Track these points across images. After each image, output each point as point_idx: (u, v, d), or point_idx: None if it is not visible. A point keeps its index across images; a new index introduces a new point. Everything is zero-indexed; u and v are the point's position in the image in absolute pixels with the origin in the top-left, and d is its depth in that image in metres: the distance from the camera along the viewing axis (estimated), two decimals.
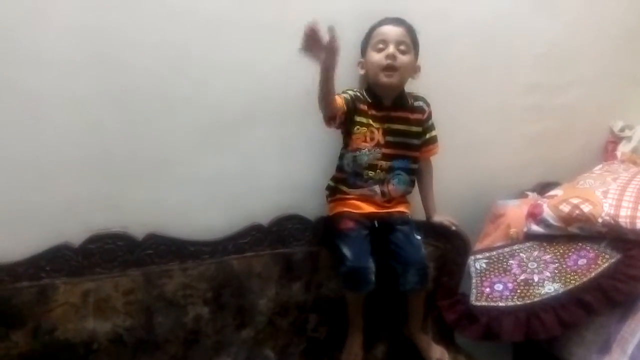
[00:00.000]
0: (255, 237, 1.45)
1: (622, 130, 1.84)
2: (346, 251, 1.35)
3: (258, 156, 1.48)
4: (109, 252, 1.34)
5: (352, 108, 1.35)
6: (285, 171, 1.51)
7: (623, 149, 1.80)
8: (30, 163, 1.30)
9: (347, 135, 1.39)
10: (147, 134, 1.38)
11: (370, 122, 1.37)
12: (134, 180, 1.39)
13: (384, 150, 1.38)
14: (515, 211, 1.57)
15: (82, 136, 1.33)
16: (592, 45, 1.78)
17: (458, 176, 1.65)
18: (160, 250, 1.38)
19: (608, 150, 1.84)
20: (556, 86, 1.78)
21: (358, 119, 1.37)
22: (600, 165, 1.70)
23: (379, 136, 1.37)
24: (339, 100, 1.31)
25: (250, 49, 1.41)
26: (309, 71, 1.45)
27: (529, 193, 1.70)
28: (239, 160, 1.46)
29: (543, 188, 1.72)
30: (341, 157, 1.42)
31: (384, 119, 1.38)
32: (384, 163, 1.38)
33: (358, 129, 1.37)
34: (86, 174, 1.35)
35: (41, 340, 1.25)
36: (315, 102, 1.43)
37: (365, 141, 1.37)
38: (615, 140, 1.84)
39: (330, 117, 1.32)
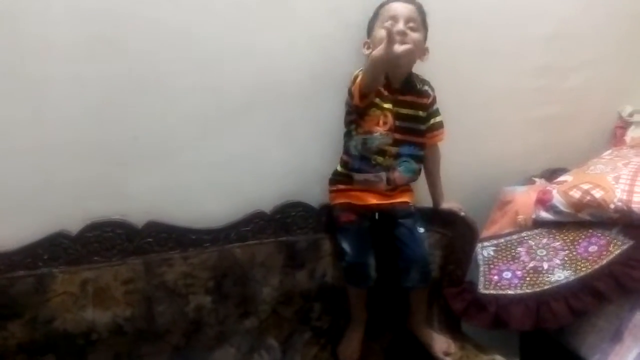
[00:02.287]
0: (258, 224, 1.41)
1: (630, 115, 1.80)
2: (346, 246, 1.32)
3: (261, 142, 1.44)
4: (108, 240, 1.30)
5: (364, 89, 1.29)
6: (289, 157, 1.47)
7: (632, 134, 1.76)
8: (27, 148, 1.26)
9: (360, 116, 1.33)
10: (148, 120, 1.34)
11: (384, 105, 1.32)
12: (134, 167, 1.35)
13: (395, 136, 1.33)
14: (523, 198, 1.54)
15: (81, 121, 1.28)
16: (602, 28, 1.73)
17: (464, 161, 1.61)
18: (160, 239, 1.34)
19: (617, 135, 1.81)
20: (565, 69, 1.74)
21: (372, 100, 1.31)
22: (610, 151, 1.67)
23: (391, 120, 1.32)
24: None
25: (253, 32, 1.36)
26: (312, 55, 1.43)
27: (537, 179, 1.67)
28: (241, 146, 1.42)
29: (551, 174, 1.69)
30: (349, 138, 1.37)
31: (394, 102, 1.33)
32: (392, 149, 1.34)
33: (374, 110, 1.31)
34: (85, 160, 1.31)
35: (39, 330, 1.22)
36: (319, 85, 1.42)
37: (378, 124, 1.32)
38: (624, 125, 1.81)
39: (368, 94, 1.28)
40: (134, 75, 1.29)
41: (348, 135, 1.37)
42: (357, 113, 1.33)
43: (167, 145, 1.37)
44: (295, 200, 1.45)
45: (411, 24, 1.29)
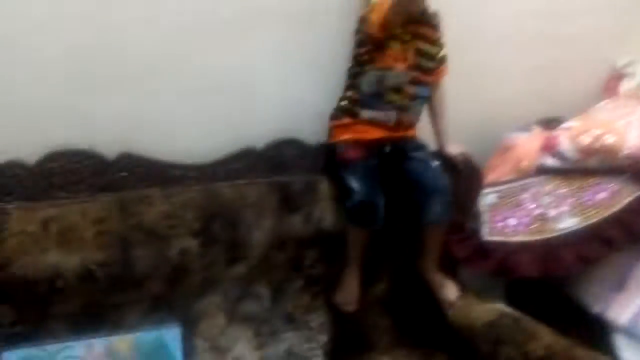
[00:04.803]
0: (248, 162, 1.27)
1: (626, 66, 1.76)
2: (354, 184, 1.20)
3: (253, 67, 1.28)
4: (74, 173, 1.12)
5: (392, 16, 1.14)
6: (283, 88, 1.32)
7: (627, 85, 1.72)
8: None
9: (377, 49, 1.19)
10: (123, 35, 1.14)
11: (406, 38, 1.19)
12: (106, 90, 1.16)
13: (413, 74, 1.22)
14: (526, 144, 1.48)
15: (43, 34, 1.07)
16: None
17: (462, 105, 1.50)
18: (136, 173, 1.17)
19: (610, 86, 1.76)
20: (564, 14, 1.66)
21: (394, 31, 1.17)
22: (606, 101, 1.62)
23: (411, 57, 1.21)
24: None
25: None
26: None
27: (534, 126, 1.61)
28: (231, 70, 1.26)
29: (546, 123, 1.63)
30: (357, 74, 1.23)
31: (413, 35, 1.21)
32: (410, 88, 1.23)
33: (394, 44, 1.18)
34: (46, 79, 1.10)
35: None
36: (321, 6, 1.26)
37: (398, 60, 1.20)
38: (618, 76, 1.77)
39: (391, 24, 1.14)
40: None
41: (358, 69, 1.24)
42: (373, 45, 1.19)
43: (145, 65, 1.18)
44: (289, 137, 1.31)
45: None
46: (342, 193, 1.25)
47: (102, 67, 1.14)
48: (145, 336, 1.11)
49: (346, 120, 1.25)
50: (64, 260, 1.07)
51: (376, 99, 1.22)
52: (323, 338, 1.31)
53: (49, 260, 1.06)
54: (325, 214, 1.30)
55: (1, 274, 1.03)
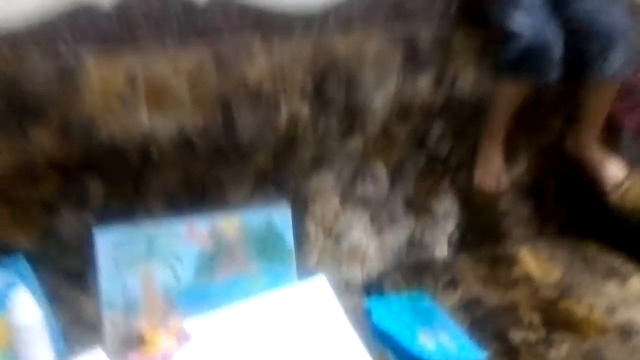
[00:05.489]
0: (364, 8, 1.01)
1: None
2: (517, 21, 0.93)
3: None
4: (157, 18, 0.90)
5: None
6: None
7: None
8: None
9: None
10: None
11: None
12: None
13: None
14: None
15: None
16: None
17: None
18: (231, 21, 0.94)
19: None
20: None
21: None
22: None
23: None
24: None
25: None
26: None
27: None
28: None
29: None
30: None
31: None
32: None
33: None
34: None
35: (75, 141, 0.85)
36: None
37: None
38: None
39: None
40: None
41: None
42: None
43: None
44: None
45: None
46: (498, 38, 0.97)
47: None
48: (253, 217, 0.93)
49: None
50: (157, 124, 0.88)
51: None
52: (449, 226, 1.12)
53: (139, 124, 0.87)
54: (460, 73, 1.04)
55: (85, 139, 0.84)
